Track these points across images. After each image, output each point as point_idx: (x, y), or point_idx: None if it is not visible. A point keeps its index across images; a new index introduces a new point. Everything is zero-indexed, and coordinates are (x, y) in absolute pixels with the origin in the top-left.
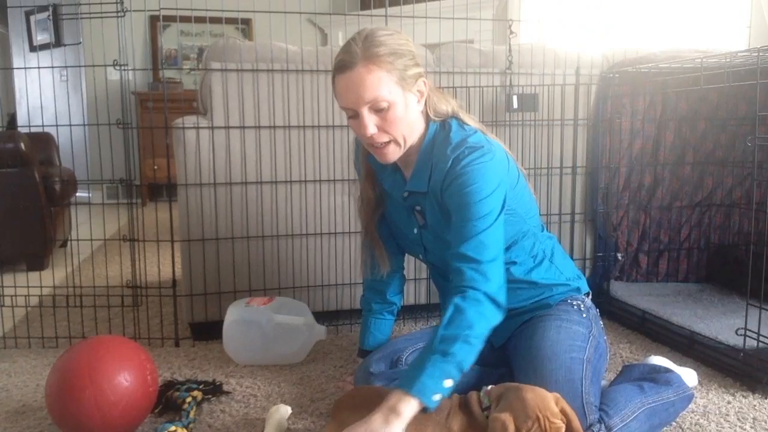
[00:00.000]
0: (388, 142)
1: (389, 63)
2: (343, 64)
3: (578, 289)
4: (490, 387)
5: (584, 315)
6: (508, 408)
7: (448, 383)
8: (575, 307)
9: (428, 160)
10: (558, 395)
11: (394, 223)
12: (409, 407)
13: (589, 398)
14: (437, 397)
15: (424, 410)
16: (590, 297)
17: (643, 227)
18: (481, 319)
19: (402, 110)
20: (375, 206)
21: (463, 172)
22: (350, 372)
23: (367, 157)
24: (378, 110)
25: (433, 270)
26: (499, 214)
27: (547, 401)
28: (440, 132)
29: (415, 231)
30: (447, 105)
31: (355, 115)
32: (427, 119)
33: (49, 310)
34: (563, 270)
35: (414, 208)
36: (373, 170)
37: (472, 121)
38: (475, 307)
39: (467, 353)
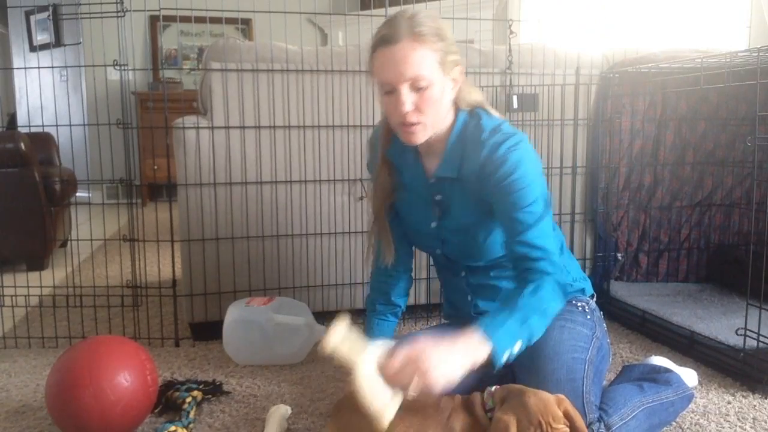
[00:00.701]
0: (418, 123)
1: (433, 43)
2: (386, 38)
3: (583, 290)
4: (494, 388)
5: (588, 317)
6: (511, 413)
7: (517, 348)
8: (579, 308)
9: (460, 146)
10: (561, 397)
11: (409, 218)
12: (482, 353)
13: (589, 397)
14: (506, 356)
15: (487, 365)
16: (594, 299)
17: (643, 227)
18: (556, 304)
19: (439, 93)
20: (389, 192)
21: (506, 158)
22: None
23: (386, 150)
24: (417, 89)
25: (444, 265)
26: (547, 199)
27: (550, 406)
28: (470, 120)
29: (433, 225)
30: (477, 96)
31: (391, 91)
32: (456, 109)
33: (49, 310)
34: (570, 270)
35: (434, 197)
36: (391, 163)
37: (496, 113)
38: (553, 291)
39: (539, 329)
